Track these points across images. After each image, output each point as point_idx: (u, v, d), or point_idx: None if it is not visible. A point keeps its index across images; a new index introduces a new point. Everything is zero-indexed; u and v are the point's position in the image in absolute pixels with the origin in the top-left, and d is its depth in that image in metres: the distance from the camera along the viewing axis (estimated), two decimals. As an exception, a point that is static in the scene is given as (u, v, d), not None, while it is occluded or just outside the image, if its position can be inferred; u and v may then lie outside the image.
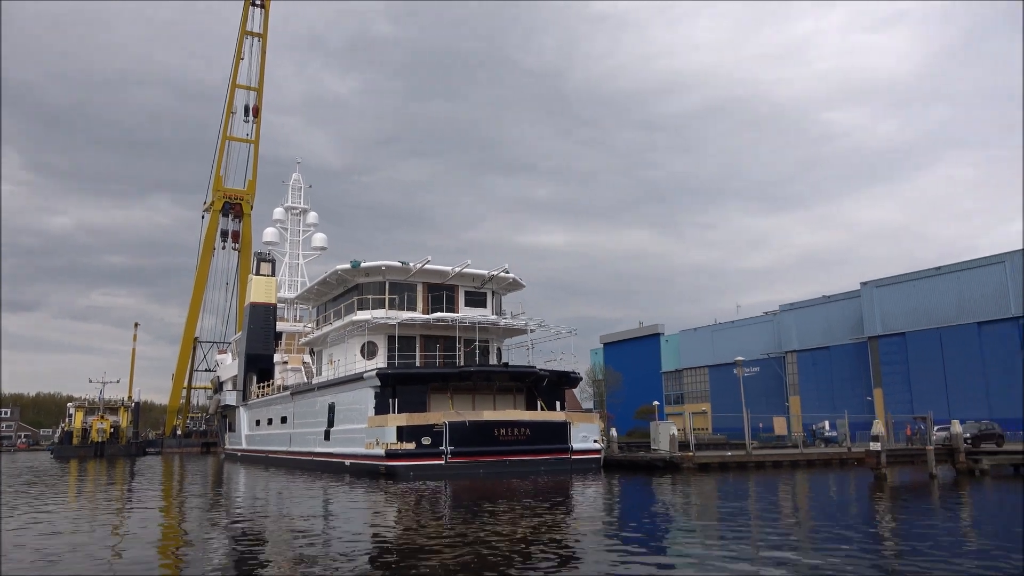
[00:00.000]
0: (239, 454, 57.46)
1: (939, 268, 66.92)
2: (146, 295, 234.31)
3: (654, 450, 38.91)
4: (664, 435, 39.66)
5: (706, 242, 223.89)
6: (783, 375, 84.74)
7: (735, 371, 38.62)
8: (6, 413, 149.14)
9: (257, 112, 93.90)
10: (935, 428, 33.85)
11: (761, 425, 63.74)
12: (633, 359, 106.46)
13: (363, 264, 37.37)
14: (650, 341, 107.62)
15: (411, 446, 30.11)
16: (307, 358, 53.52)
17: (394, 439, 30.22)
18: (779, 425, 45.74)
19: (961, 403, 60.30)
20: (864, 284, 73.78)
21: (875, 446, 24.11)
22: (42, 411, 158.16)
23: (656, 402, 65.93)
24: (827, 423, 60.50)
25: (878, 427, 24.32)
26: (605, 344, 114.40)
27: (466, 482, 27.31)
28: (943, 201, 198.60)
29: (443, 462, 30.30)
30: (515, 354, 42.51)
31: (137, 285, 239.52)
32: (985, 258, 63.13)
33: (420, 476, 29.26)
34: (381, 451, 30.60)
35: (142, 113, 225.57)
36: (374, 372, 32.37)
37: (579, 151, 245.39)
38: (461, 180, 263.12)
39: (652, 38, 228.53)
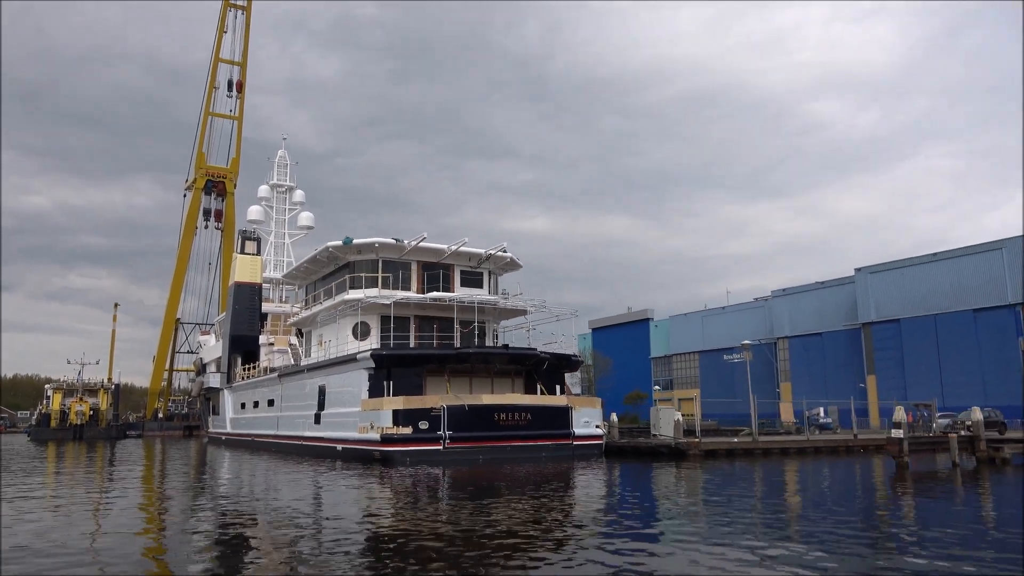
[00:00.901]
0: (223, 438, 55.82)
1: (935, 254, 66.31)
2: (125, 276, 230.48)
3: (654, 436, 37.87)
4: (666, 421, 38.61)
5: (687, 229, 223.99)
6: (774, 361, 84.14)
7: (741, 355, 37.54)
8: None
9: (241, 87, 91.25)
10: (937, 416, 33.03)
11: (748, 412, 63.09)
12: (622, 344, 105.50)
13: (355, 241, 35.80)
14: (639, 326, 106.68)
15: (408, 431, 28.73)
16: (294, 340, 51.87)
17: (390, 423, 28.82)
18: (785, 411, 44.79)
19: (955, 391, 59.80)
20: (858, 270, 73.08)
21: (897, 433, 23.08)
22: (19, 393, 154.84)
23: (657, 386, 64.98)
24: (822, 409, 59.82)
25: (900, 414, 23.28)
26: (593, 329, 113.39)
27: (465, 469, 26.05)
28: (921, 192, 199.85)
29: (441, 447, 28.96)
30: (510, 336, 41.22)
31: (116, 266, 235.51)
32: (982, 244, 62.51)
33: (417, 462, 27.94)
34: (376, 435, 29.21)
35: (117, 92, 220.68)
36: (368, 353, 30.91)
37: (562, 137, 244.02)
38: (443, 164, 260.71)
39: (635, 26, 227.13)
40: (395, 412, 28.89)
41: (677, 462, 29.61)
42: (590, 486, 21.32)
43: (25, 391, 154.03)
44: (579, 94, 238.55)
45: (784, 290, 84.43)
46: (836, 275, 75.54)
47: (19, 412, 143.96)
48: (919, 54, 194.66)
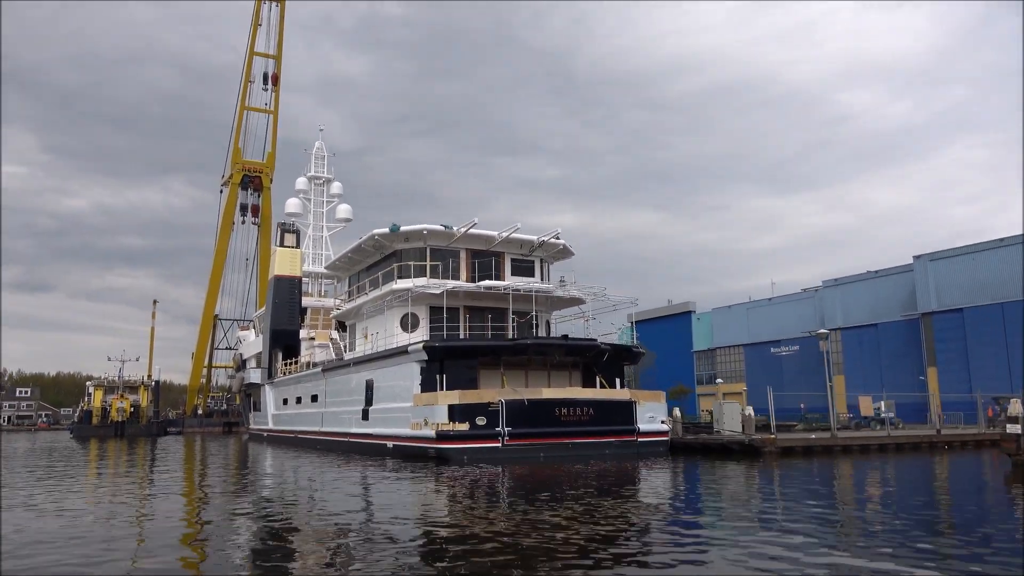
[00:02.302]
0: (265, 434, 54.77)
1: (1002, 239, 62.85)
2: (162, 276, 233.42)
3: (717, 432, 35.76)
4: (730, 416, 36.44)
5: (716, 223, 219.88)
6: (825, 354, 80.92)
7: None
8: (25, 392, 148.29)
9: (276, 80, 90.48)
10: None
11: (803, 406, 60.44)
12: (662, 338, 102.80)
13: (402, 228, 34.14)
14: (680, 319, 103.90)
15: (464, 427, 26.97)
16: (335, 334, 50.53)
17: (445, 419, 27.08)
18: (864, 405, 42.20)
19: (1028, 383, 56.41)
20: (917, 258, 69.76)
21: (1013, 428, 20.70)
22: (62, 391, 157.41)
23: (725, 380, 62.31)
24: (882, 404, 56.93)
25: (1016, 406, 20.88)
26: (632, 323, 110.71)
27: (525, 467, 24.24)
28: (955, 183, 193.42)
29: (500, 444, 27.16)
30: (562, 328, 39.30)
31: (152, 266, 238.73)
32: (1055, 228, 58.91)
33: (474, 460, 26.19)
34: (430, 432, 27.50)
35: (152, 94, 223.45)
36: (420, 345, 29.20)
37: (587, 132, 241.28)
38: (470, 160, 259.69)
39: (661, 18, 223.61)
40: (451, 407, 27.14)
41: (751, 460, 27.45)
42: (664, 488, 19.30)
43: (68, 389, 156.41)
44: (605, 88, 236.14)
45: (836, 280, 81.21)
46: (871, 267, 72.27)
47: (62, 409, 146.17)
48: (952, 42, 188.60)
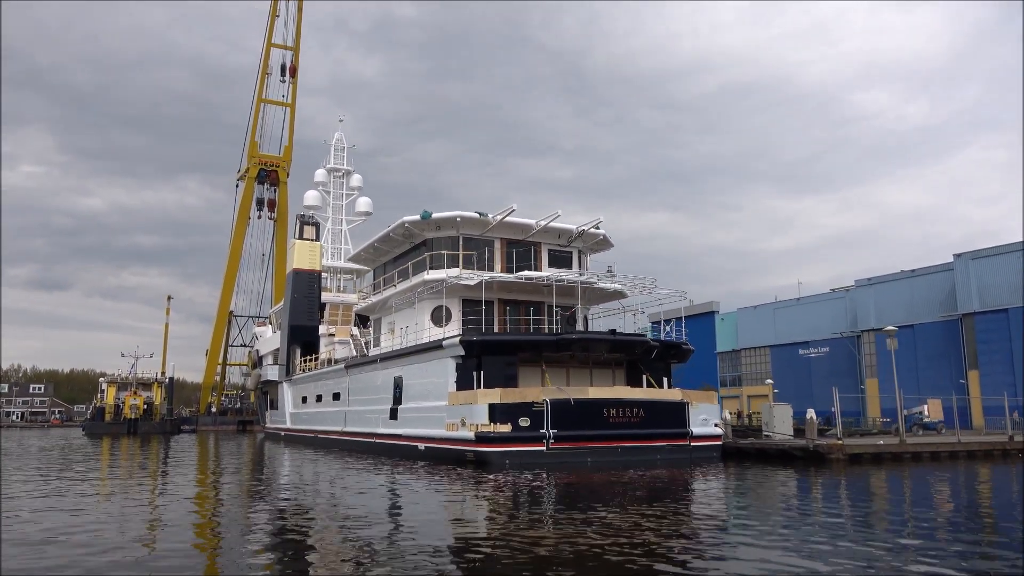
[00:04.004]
0: (282, 433, 52.78)
1: (1050, 237, 59.99)
2: (176, 274, 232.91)
3: (766, 436, 33.46)
4: (781, 418, 34.18)
5: (730, 223, 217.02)
6: (858, 355, 78.29)
7: (887, 344, 32.66)
8: (39, 389, 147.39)
9: (294, 72, 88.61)
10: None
11: (832, 409, 57.90)
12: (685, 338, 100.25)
13: (434, 215, 31.98)
14: (703, 320, 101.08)
15: (506, 428, 24.74)
16: (355, 330, 48.48)
17: (485, 419, 24.87)
18: (934, 409, 39.66)
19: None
20: (957, 256, 67.02)
21: None
22: (76, 387, 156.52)
23: (749, 381, 59.93)
24: (925, 408, 54.29)
25: None
26: (653, 323, 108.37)
27: (572, 473, 22.03)
28: (972, 184, 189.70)
29: (544, 448, 24.94)
30: (601, 323, 37.09)
31: (167, 264, 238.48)
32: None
33: (517, 464, 24.00)
34: (468, 434, 25.30)
35: (167, 95, 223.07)
36: (457, 339, 27.00)
37: (600, 132, 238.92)
38: (484, 160, 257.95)
39: (675, 18, 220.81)
40: (491, 407, 24.92)
41: (816, 468, 25.09)
42: (742, 506, 17.02)
43: (81, 385, 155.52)
44: (618, 87, 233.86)
45: (869, 280, 78.44)
46: (888, 269, 69.66)
47: (75, 406, 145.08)
48: (969, 42, 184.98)
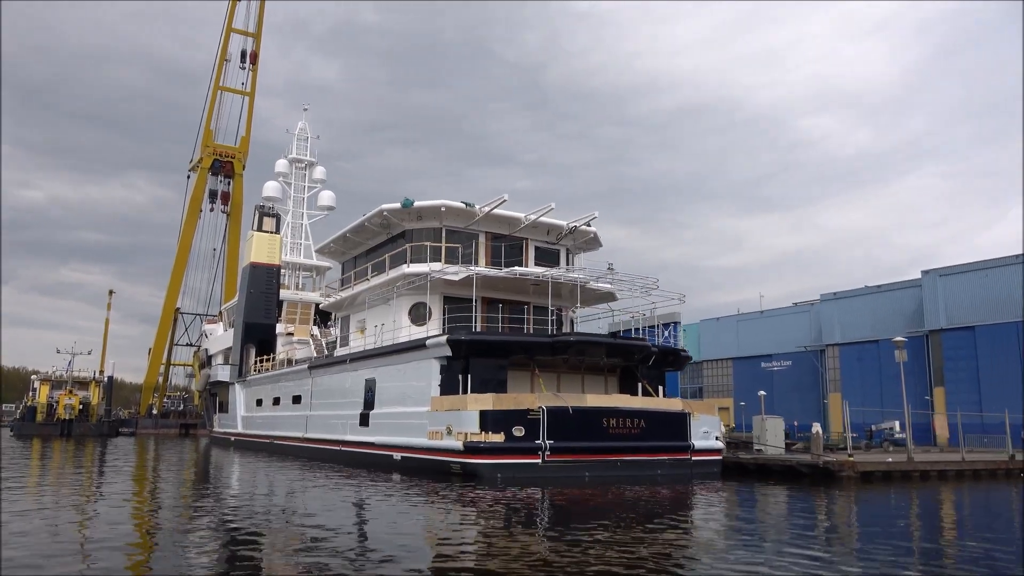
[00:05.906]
0: (232, 438, 49.14)
1: (1018, 256, 60.34)
2: (118, 273, 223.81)
3: (758, 450, 31.73)
4: (773, 432, 32.46)
5: (682, 240, 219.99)
6: (821, 370, 78.00)
7: (896, 356, 31.26)
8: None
9: (255, 59, 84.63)
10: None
11: (796, 423, 57.03)
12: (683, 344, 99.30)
13: (416, 204, 29.37)
14: (664, 331, 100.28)
15: (499, 438, 22.27)
16: (315, 330, 45.33)
17: (475, 428, 22.34)
18: (940, 424, 38.40)
19: (1045, 406, 53.66)
20: (926, 273, 67.02)
21: None
22: (7, 385, 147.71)
23: (711, 394, 58.67)
24: (897, 423, 53.65)
25: None
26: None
27: (571, 489, 19.75)
28: (914, 210, 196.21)
29: (540, 460, 22.54)
30: (585, 327, 34.94)
31: (109, 263, 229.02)
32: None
33: (510, 478, 21.57)
34: (455, 443, 22.72)
35: (121, 91, 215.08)
36: (443, 339, 24.40)
37: (560, 145, 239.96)
38: (444, 169, 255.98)
39: (633, 37, 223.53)
40: (483, 414, 22.40)
41: (826, 486, 23.27)
42: (769, 535, 14.95)
43: (12, 384, 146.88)
44: (577, 103, 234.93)
45: (835, 294, 78.25)
46: (835, 288, 69.88)
47: (4, 405, 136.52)
48: (917, 73, 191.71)
